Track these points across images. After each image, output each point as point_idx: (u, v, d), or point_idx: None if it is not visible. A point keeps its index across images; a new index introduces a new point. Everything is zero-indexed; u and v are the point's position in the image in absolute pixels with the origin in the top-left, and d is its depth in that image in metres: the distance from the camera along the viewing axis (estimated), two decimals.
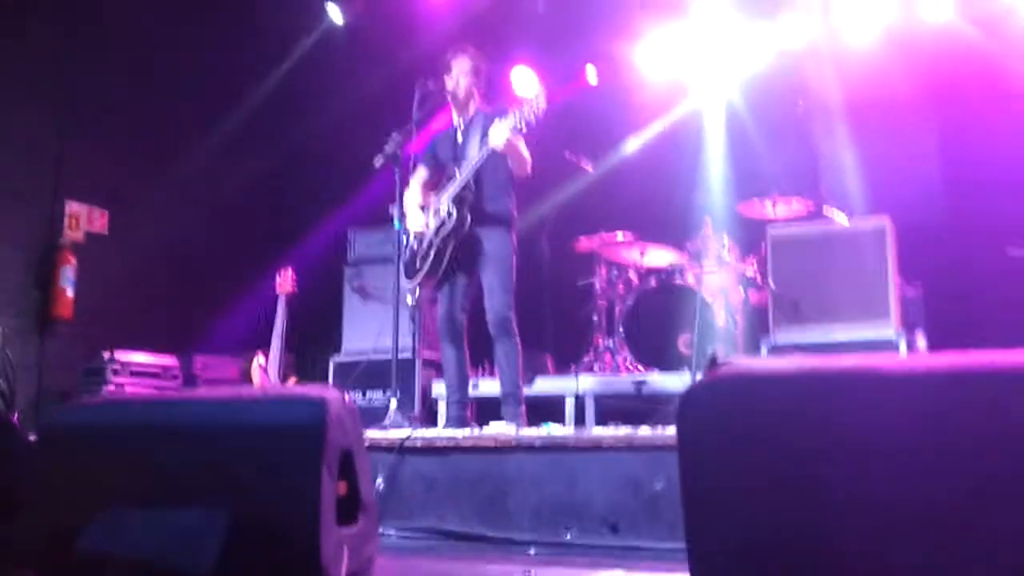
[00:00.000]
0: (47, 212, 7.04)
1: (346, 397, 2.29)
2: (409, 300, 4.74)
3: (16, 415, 5.86)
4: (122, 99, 7.29)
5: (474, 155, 4.45)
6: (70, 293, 6.95)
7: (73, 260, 6.99)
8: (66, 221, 7.12)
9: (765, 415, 1.70)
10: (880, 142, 6.73)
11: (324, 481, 2.13)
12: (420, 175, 4.71)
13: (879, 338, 4.95)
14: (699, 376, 4.98)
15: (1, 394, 6.20)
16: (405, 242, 4.68)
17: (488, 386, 5.42)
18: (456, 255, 4.48)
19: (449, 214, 4.40)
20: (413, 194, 4.66)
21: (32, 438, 2.63)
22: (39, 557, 2.27)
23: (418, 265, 4.53)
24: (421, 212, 4.62)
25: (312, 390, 2.23)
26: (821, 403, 1.68)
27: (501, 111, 4.44)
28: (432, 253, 4.48)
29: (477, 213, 4.43)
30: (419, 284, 4.63)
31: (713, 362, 1.76)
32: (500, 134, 4.21)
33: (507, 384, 4.46)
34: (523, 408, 4.46)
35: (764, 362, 1.81)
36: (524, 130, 4.21)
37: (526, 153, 4.40)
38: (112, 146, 7.29)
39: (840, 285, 5.11)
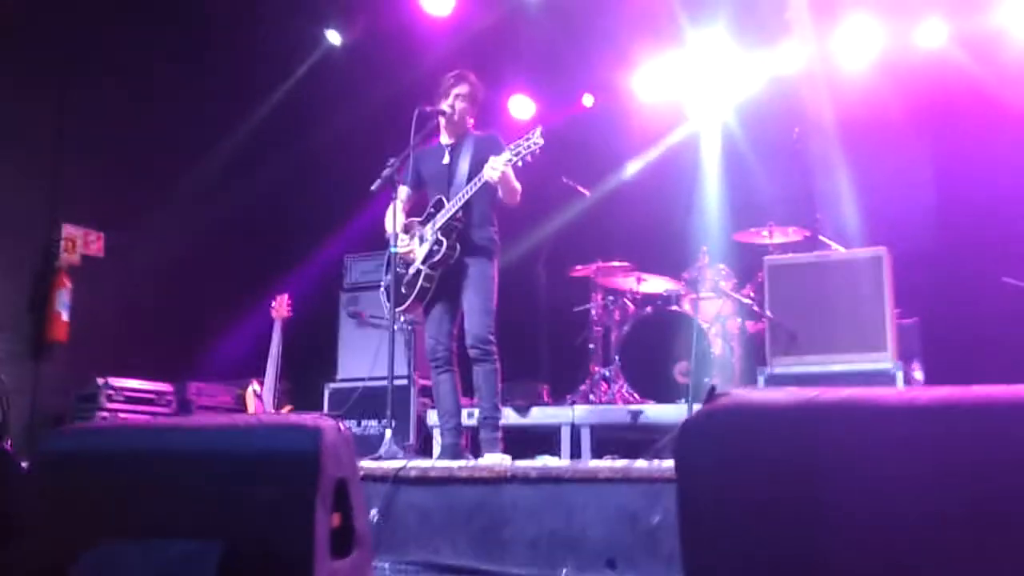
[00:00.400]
0: (43, 235, 7.02)
1: (341, 426, 2.27)
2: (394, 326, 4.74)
3: (9, 440, 5.82)
4: (119, 122, 7.30)
5: (463, 179, 4.48)
6: (65, 317, 6.92)
7: (68, 283, 6.97)
8: (62, 244, 7.11)
9: (763, 445, 1.70)
10: (875, 169, 6.76)
11: (318, 512, 2.11)
12: (402, 193, 4.71)
13: (876, 368, 4.93)
14: (696, 406, 4.98)
15: None
16: (394, 268, 4.67)
17: None
18: (443, 283, 4.49)
19: (438, 242, 4.42)
20: (397, 214, 4.66)
21: (25, 464, 2.60)
22: None
23: (405, 292, 4.52)
24: (406, 238, 4.61)
25: (307, 419, 2.21)
26: (818, 434, 1.68)
27: (494, 141, 4.48)
28: (420, 281, 4.49)
29: (463, 241, 4.46)
30: (407, 311, 4.62)
31: (712, 392, 1.75)
32: (496, 169, 4.25)
33: (485, 408, 4.47)
34: (500, 433, 4.45)
35: (762, 393, 1.80)
36: (520, 165, 4.24)
37: (517, 184, 4.42)
38: (109, 169, 7.29)
39: (837, 315, 5.09)
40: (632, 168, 7.35)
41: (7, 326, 6.70)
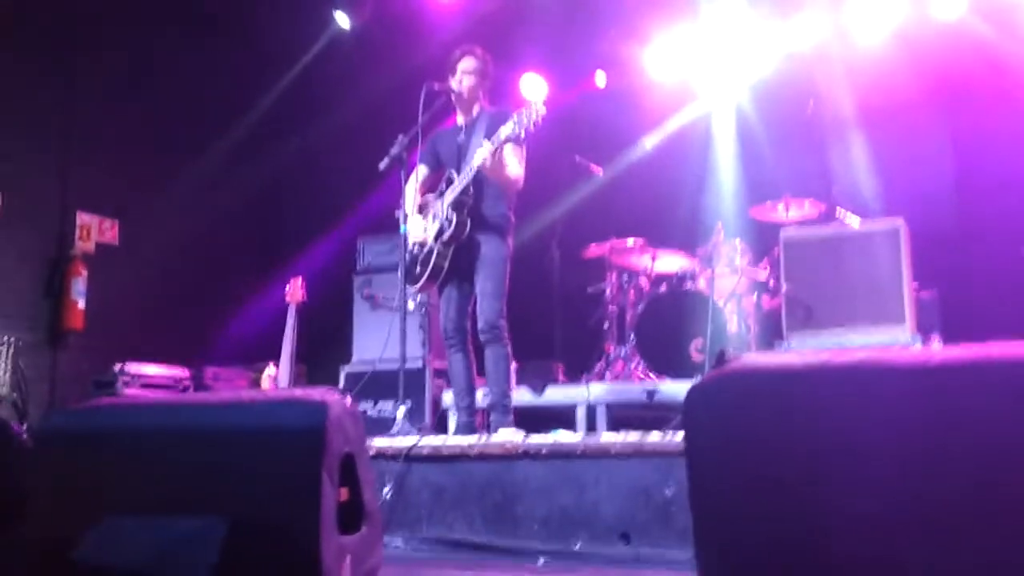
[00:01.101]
0: (57, 224, 7.06)
1: (347, 400, 2.25)
2: (411, 305, 4.70)
3: (27, 426, 5.86)
4: (129, 110, 7.33)
5: (473, 155, 4.43)
6: (81, 304, 6.96)
7: (84, 271, 7.00)
8: (77, 232, 7.14)
9: (772, 409, 1.66)
10: (892, 143, 6.66)
11: (324, 486, 2.09)
12: (420, 172, 4.67)
13: (895, 342, 4.87)
14: None
15: (14, 405, 6.21)
16: (406, 247, 4.64)
17: None
18: (455, 260, 4.46)
19: (448, 219, 4.38)
20: (410, 193, 4.63)
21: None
22: (38, 566, 2.23)
23: (419, 270, 4.49)
24: (420, 217, 4.59)
25: (313, 392, 2.19)
26: (827, 397, 1.63)
27: (503, 113, 4.41)
28: (433, 259, 4.45)
29: (475, 217, 4.41)
30: (421, 290, 4.59)
31: (722, 357, 1.71)
32: (482, 154, 4.20)
33: (496, 392, 4.45)
34: (512, 417, 4.43)
35: (772, 357, 1.75)
36: (523, 136, 4.16)
37: (516, 168, 4.36)
38: (120, 157, 7.32)
39: (854, 288, 5.04)
40: (645, 146, 7.26)
41: (25, 315, 6.74)
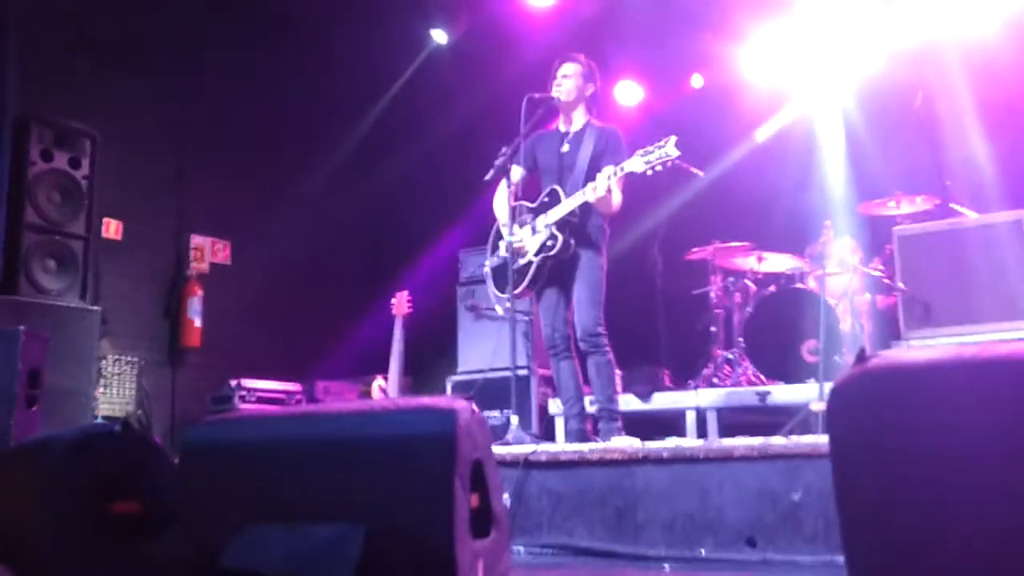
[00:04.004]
0: (174, 246, 7.36)
1: (474, 407, 2.27)
2: (499, 310, 4.76)
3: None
4: (237, 133, 7.58)
5: (580, 172, 4.44)
6: (198, 323, 7.23)
7: (199, 291, 7.28)
8: (191, 254, 7.43)
9: (919, 406, 1.60)
10: (1007, 134, 6.39)
11: (457, 492, 2.11)
12: (516, 175, 4.64)
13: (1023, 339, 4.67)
14: (828, 385, 4.81)
15: (138, 421, 6.49)
16: (497, 256, 4.67)
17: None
18: (553, 271, 4.49)
19: (553, 237, 4.40)
20: (503, 196, 4.61)
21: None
22: (186, 574, 2.32)
23: (512, 279, 4.50)
24: (516, 226, 4.57)
25: (441, 400, 2.22)
26: (977, 391, 1.56)
27: (614, 138, 4.44)
28: (531, 271, 4.48)
29: (576, 234, 4.44)
30: (517, 297, 4.59)
31: (862, 354, 1.67)
32: (599, 186, 4.21)
33: (601, 399, 4.45)
34: (620, 423, 4.41)
35: (916, 352, 1.70)
36: (649, 173, 4.12)
37: (619, 198, 4.34)
38: (231, 179, 7.58)
39: (976, 283, 4.84)
40: (757, 138, 7.11)
41: (146, 335, 7.04)
